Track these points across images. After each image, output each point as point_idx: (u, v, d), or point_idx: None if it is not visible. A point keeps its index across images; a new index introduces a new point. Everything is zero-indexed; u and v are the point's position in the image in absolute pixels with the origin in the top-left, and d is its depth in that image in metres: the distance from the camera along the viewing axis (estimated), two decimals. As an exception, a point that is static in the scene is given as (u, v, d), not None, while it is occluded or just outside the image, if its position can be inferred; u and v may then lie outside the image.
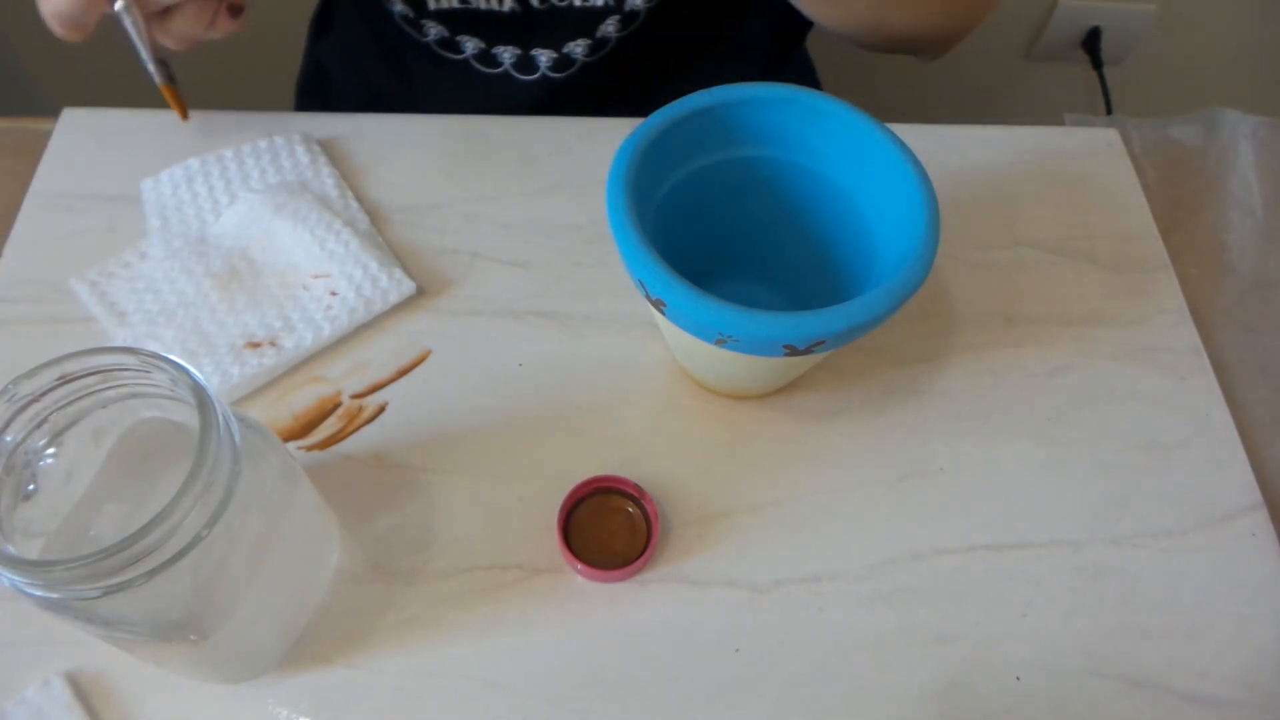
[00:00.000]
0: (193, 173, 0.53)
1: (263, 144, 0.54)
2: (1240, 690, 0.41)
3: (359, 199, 0.54)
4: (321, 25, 0.74)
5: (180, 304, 0.48)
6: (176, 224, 0.51)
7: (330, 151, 0.56)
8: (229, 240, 0.51)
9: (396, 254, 0.52)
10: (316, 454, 0.45)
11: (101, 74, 1.11)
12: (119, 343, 0.47)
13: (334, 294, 0.49)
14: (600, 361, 0.49)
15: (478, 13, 0.61)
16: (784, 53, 0.71)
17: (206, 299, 0.49)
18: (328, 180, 0.53)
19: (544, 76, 0.63)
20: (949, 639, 0.42)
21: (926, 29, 0.54)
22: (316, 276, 0.49)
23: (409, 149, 0.56)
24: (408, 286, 0.49)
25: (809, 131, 0.44)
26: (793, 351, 0.38)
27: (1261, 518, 0.45)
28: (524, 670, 0.40)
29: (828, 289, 0.45)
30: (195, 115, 0.56)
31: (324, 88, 0.73)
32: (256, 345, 0.47)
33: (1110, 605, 0.43)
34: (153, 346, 0.47)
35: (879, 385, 0.49)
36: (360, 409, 0.47)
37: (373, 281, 0.49)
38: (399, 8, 0.63)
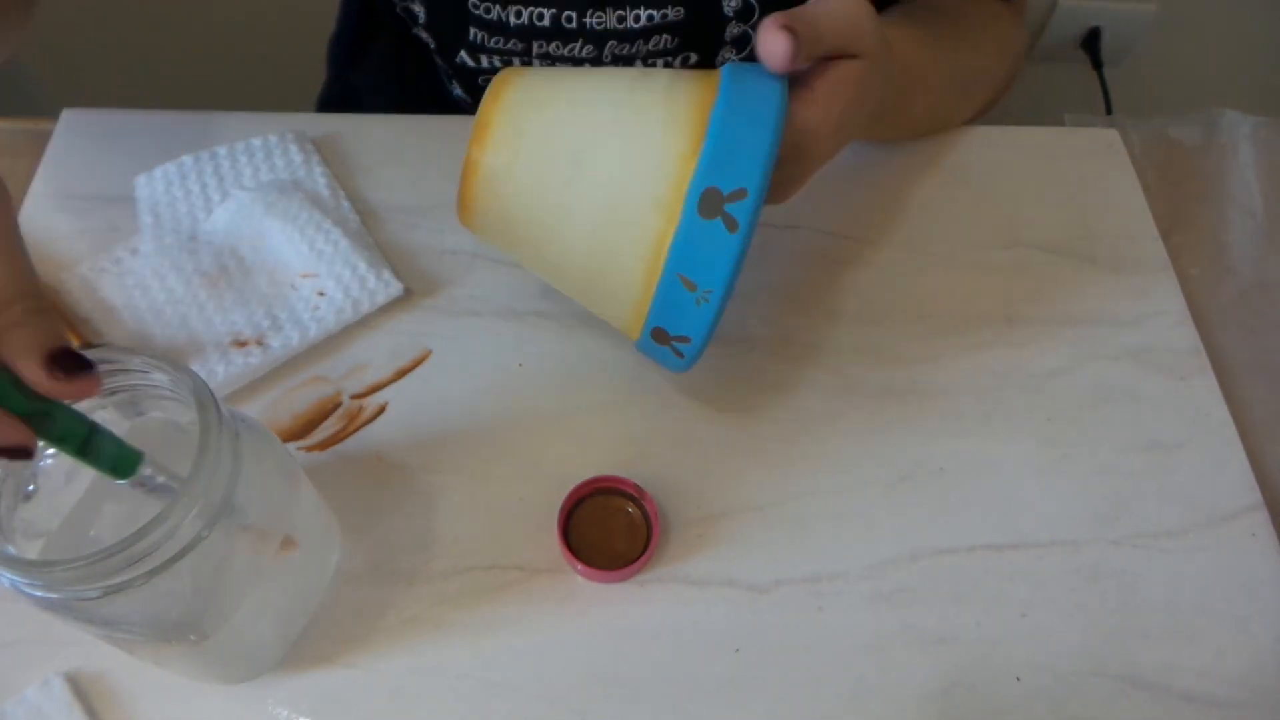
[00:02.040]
0: (186, 169, 0.53)
1: (256, 142, 0.54)
2: (1240, 690, 0.41)
3: (359, 199, 0.54)
4: (355, 50, 0.75)
5: (169, 301, 0.49)
6: (169, 220, 0.51)
7: (331, 151, 0.56)
8: (219, 238, 0.51)
9: (396, 254, 0.52)
10: (316, 454, 0.45)
11: (101, 74, 1.11)
12: (106, 339, 0.47)
13: (321, 294, 0.49)
14: (600, 361, 0.49)
15: None
16: None
17: (195, 296, 0.49)
18: (320, 179, 0.53)
19: None
20: (949, 639, 0.42)
21: (961, 121, 0.59)
22: (305, 276, 0.49)
23: (409, 149, 0.56)
24: (395, 288, 0.49)
25: None
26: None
27: (1261, 518, 0.45)
28: (524, 670, 0.40)
29: None
30: (199, 114, 0.56)
31: (354, 109, 0.74)
32: (243, 344, 0.47)
33: (1110, 605, 0.43)
34: (140, 344, 0.47)
35: (879, 385, 0.49)
36: (360, 409, 0.47)
37: (360, 282, 0.49)
38: (458, 92, 0.66)
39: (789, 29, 0.37)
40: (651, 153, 0.37)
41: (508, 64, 0.60)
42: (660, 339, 0.40)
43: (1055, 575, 0.43)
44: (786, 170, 0.41)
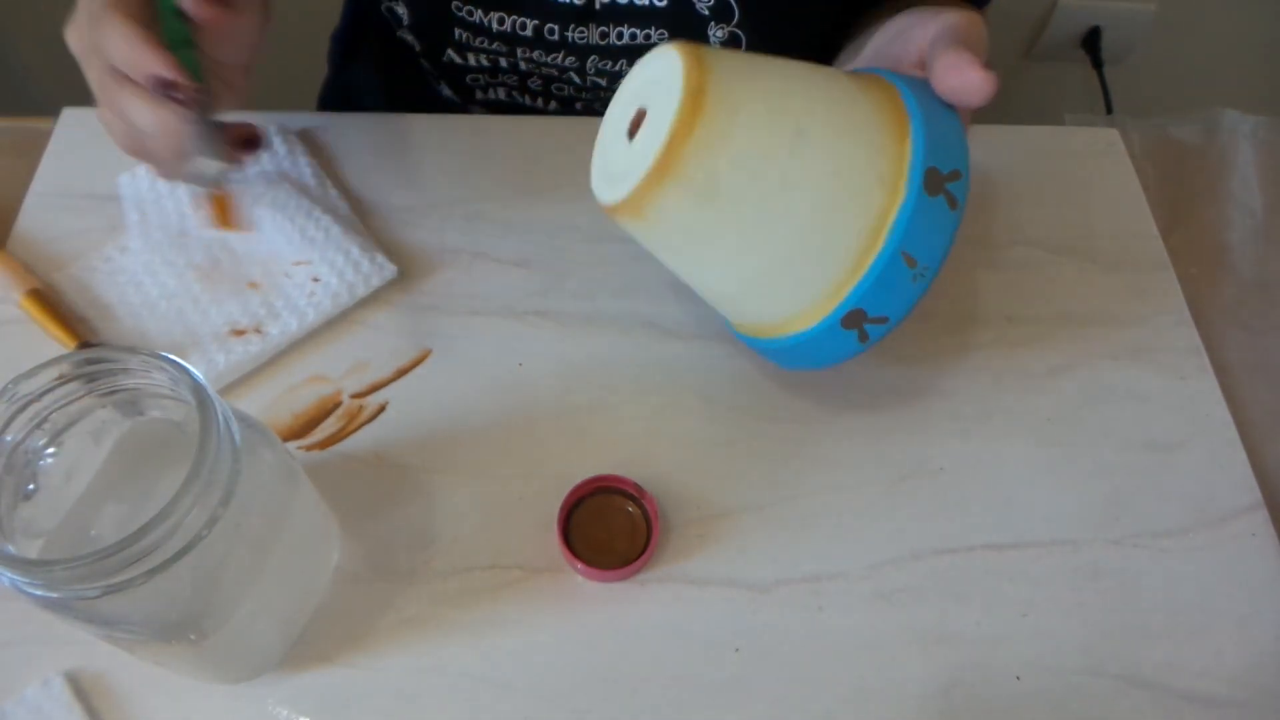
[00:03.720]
0: None
1: None
2: (1240, 690, 0.41)
3: (358, 198, 0.54)
4: (350, 49, 0.75)
5: (163, 295, 0.49)
6: (155, 217, 0.52)
7: (329, 150, 0.56)
8: (210, 233, 0.51)
9: (396, 253, 0.52)
10: (316, 454, 0.45)
11: (101, 74, 1.11)
12: (105, 338, 0.47)
13: (316, 280, 0.49)
14: (600, 361, 0.49)
15: (521, 106, 0.65)
16: None
17: (189, 289, 0.49)
18: (305, 170, 0.53)
19: None
20: (949, 639, 0.42)
21: None
22: (298, 264, 0.49)
23: (409, 149, 0.56)
24: (389, 270, 0.50)
25: None
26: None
27: (1261, 518, 0.45)
28: (524, 670, 0.40)
29: None
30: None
31: (350, 107, 0.74)
32: (241, 333, 0.47)
33: (1110, 605, 0.43)
34: (138, 340, 0.47)
35: (879, 385, 0.49)
36: (360, 408, 0.47)
37: (354, 266, 0.49)
38: (446, 92, 0.66)
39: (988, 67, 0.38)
40: (869, 130, 0.37)
41: (494, 64, 0.61)
42: (852, 322, 0.38)
43: (1055, 575, 0.43)
44: None
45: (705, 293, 0.43)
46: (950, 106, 0.38)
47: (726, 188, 0.36)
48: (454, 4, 0.56)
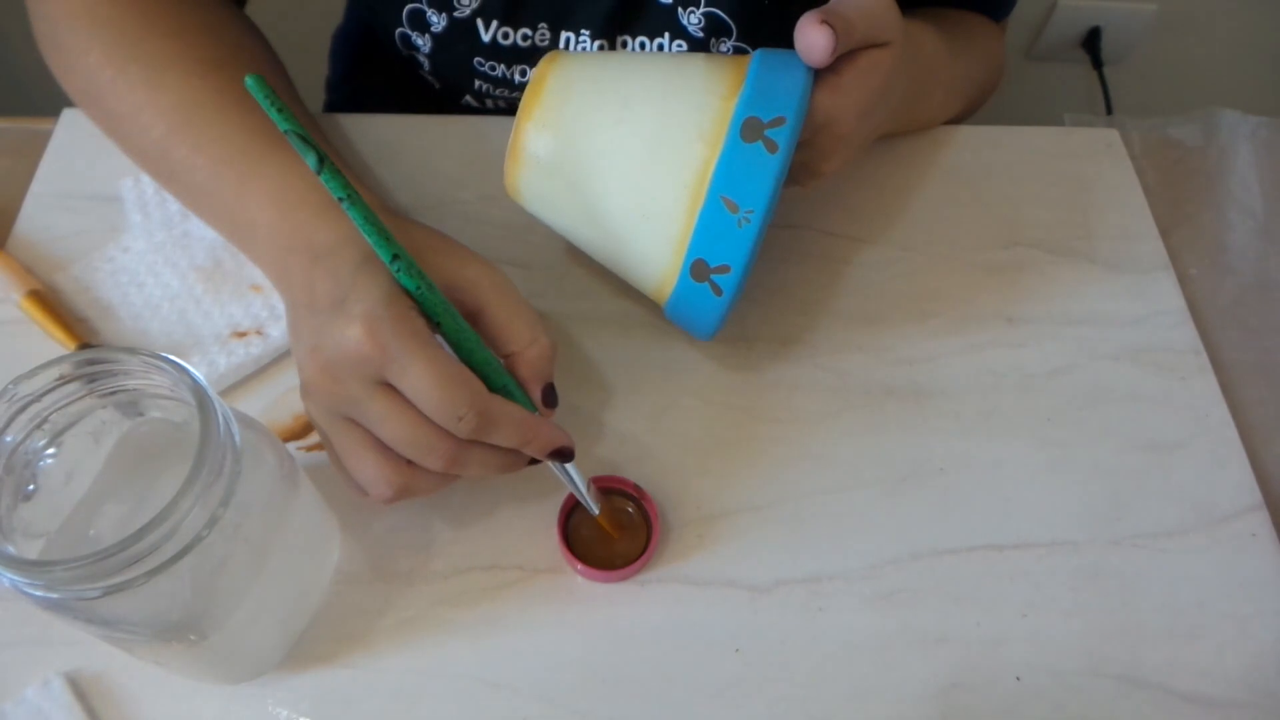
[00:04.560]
0: None
1: None
2: (1241, 690, 0.41)
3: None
4: (358, 61, 0.74)
5: (165, 296, 0.49)
6: (158, 217, 0.51)
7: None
8: (211, 233, 0.51)
9: (396, 254, 0.52)
10: (316, 454, 0.45)
11: (101, 74, 1.11)
12: (106, 338, 0.47)
13: None
14: (600, 361, 0.49)
15: None
16: None
17: (191, 291, 0.49)
18: None
19: None
20: (949, 639, 0.42)
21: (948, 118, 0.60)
22: None
23: (409, 149, 0.56)
24: None
25: None
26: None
27: (1261, 518, 0.45)
28: (524, 670, 0.40)
29: None
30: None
31: (361, 109, 0.74)
32: (243, 335, 0.47)
33: (1110, 605, 0.43)
34: (139, 340, 0.47)
35: (879, 385, 0.49)
36: (360, 409, 0.47)
37: None
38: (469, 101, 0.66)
39: (827, 23, 0.38)
40: (695, 95, 0.40)
41: (512, 108, 0.61)
42: (700, 274, 0.40)
43: (1055, 575, 0.43)
44: (814, 152, 0.43)
45: (608, 267, 0.45)
46: (806, 67, 0.40)
47: (563, 160, 0.42)
48: (476, 59, 0.56)
